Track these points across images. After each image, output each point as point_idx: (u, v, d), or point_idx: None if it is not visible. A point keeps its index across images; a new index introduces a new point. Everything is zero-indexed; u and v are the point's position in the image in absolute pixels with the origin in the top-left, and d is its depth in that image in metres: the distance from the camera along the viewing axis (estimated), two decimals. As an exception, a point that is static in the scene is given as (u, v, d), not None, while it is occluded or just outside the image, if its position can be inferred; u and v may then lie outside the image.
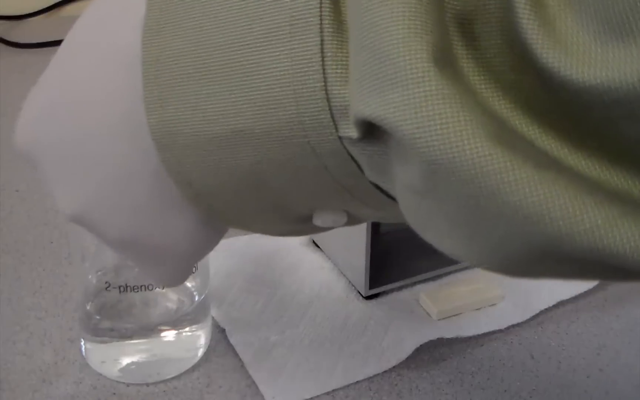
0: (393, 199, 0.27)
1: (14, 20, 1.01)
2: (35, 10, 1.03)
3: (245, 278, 0.54)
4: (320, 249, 0.57)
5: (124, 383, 0.46)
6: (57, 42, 0.96)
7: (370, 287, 0.52)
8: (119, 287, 0.44)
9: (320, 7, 0.24)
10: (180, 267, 0.36)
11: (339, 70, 0.24)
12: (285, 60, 0.25)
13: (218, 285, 0.53)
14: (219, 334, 0.50)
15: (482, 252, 0.24)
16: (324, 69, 0.24)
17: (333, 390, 0.46)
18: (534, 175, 0.22)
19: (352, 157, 0.26)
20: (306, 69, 0.25)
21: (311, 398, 0.45)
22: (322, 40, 0.24)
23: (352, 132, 0.25)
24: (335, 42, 0.24)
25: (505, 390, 0.46)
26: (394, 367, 0.47)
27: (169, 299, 0.47)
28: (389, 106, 0.23)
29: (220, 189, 0.29)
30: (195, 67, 0.27)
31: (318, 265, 0.56)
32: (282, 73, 0.25)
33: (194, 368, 0.47)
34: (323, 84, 0.25)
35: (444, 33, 0.23)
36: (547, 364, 0.48)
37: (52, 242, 0.58)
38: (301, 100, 0.25)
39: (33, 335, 0.49)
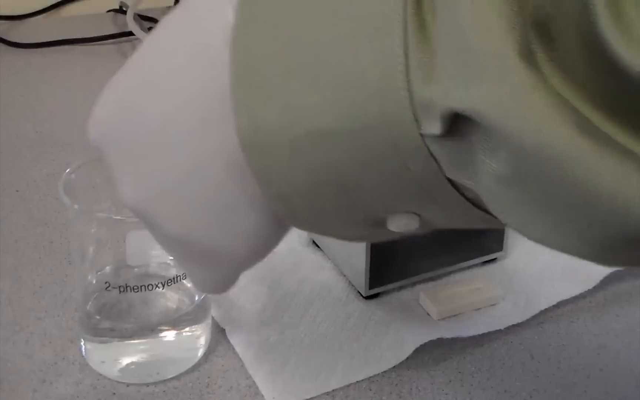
0: (467, 199, 0.28)
1: (14, 20, 1.01)
2: (35, 10, 1.03)
3: (245, 278, 0.54)
4: (320, 249, 0.57)
5: (124, 383, 0.46)
6: (57, 42, 0.96)
7: (370, 287, 0.52)
8: (119, 287, 0.44)
9: (404, 9, 0.25)
10: (229, 273, 0.36)
11: (422, 69, 0.25)
12: (370, 60, 0.26)
13: (218, 285, 0.53)
14: (219, 334, 0.50)
15: (567, 238, 0.25)
16: (407, 69, 0.25)
17: (333, 390, 0.46)
18: (617, 163, 0.23)
19: (433, 155, 0.27)
20: (390, 69, 0.25)
21: (311, 398, 0.45)
22: (405, 41, 0.25)
23: (435, 129, 0.25)
24: (419, 41, 0.25)
25: (505, 391, 0.46)
26: (394, 367, 0.47)
27: (169, 299, 0.47)
28: (478, 98, 0.24)
29: (301, 189, 0.30)
30: (283, 68, 0.28)
31: (318, 265, 0.56)
32: (366, 73, 0.26)
33: (194, 368, 0.47)
34: (406, 83, 0.25)
35: (525, 32, 0.24)
36: (547, 364, 0.48)
37: (52, 242, 0.58)
38: (384, 99, 0.26)
39: (33, 335, 0.49)
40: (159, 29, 0.34)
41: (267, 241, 0.34)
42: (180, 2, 0.34)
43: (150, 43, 0.34)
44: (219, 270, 0.35)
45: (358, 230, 0.32)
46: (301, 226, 0.33)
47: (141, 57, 0.33)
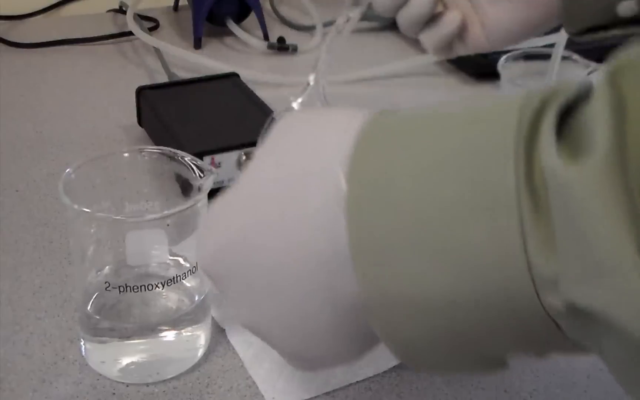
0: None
1: (14, 20, 1.01)
2: (35, 10, 1.03)
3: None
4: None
5: (123, 383, 0.46)
6: (57, 42, 0.96)
7: (370, 287, 0.52)
8: (119, 288, 0.44)
9: (517, 192, 0.27)
10: (325, 367, 0.39)
11: (539, 246, 0.27)
12: (488, 236, 0.28)
13: (218, 285, 0.53)
14: (219, 334, 0.50)
15: None
16: (525, 246, 0.27)
17: (333, 391, 0.46)
18: None
19: (554, 321, 0.28)
20: (508, 246, 0.27)
21: (311, 398, 0.45)
22: (521, 220, 0.27)
23: (557, 306, 0.27)
24: (534, 221, 0.27)
25: (505, 391, 0.46)
26: (394, 367, 0.47)
27: (169, 299, 0.47)
28: (602, 299, 0.25)
29: (420, 341, 0.32)
30: (403, 241, 0.30)
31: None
32: (485, 248, 0.28)
33: (194, 368, 0.47)
34: (525, 258, 0.27)
35: (637, 214, 0.25)
36: (547, 364, 0.48)
37: (52, 242, 0.58)
38: (505, 273, 0.28)
39: (33, 335, 0.49)
40: (269, 164, 0.36)
41: (364, 355, 0.37)
42: (288, 142, 0.36)
43: (261, 178, 0.36)
44: (316, 366, 0.39)
45: (473, 368, 0.34)
46: (414, 366, 0.34)
47: (252, 193, 0.36)
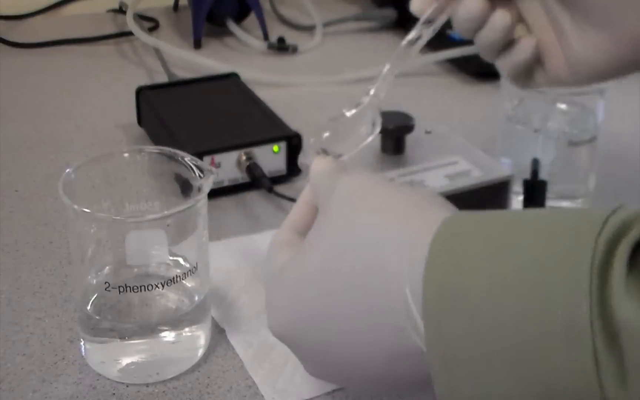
0: None
1: (14, 20, 1.01)
2: (35, 10, 1.03)
3: (245, 278, 0.54)
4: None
5: (123, 383, 0.46)
6: (57, 42, 0.96)
7: (370, 287, 0.52)
8: (119, 288, 0.44)
9: (591, 326, 0.28)
10: None
11: (613, 376, 0.28)
12: (563, 361, 0.29)
13: (218, 285, 0.53)
14: (219, 334, 0.50)
15: None
16: (599, 376, 0.28)
17: (333, 391, 0.46)
18: None
19: None
20: (582, 371, 0.28)
21: (311, 398, 0.45)
22: (595, 352, 0.28)
23: None
24: (608, 354, 0.28)
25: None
26: (394, 367, 0.47)
27: (169, 299, 0.47)
28: None
29: None
30: (478, 352, 0.31)
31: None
32: (559, 371, 0.29)
33: (194, 368, 0.47)
34: (599, 389, 0.28)
35: None
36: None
37: (52, 242, 0.58)
38: (580, 396, 0.29)
39: (33, 335, 0.49)
40: (338, 244, 0.37)
41: None
42: (356, 224, 0.37)
43: (332, 256, 0.37)
44: None
45: None
46: None
47: (323, 268, 0.38)
